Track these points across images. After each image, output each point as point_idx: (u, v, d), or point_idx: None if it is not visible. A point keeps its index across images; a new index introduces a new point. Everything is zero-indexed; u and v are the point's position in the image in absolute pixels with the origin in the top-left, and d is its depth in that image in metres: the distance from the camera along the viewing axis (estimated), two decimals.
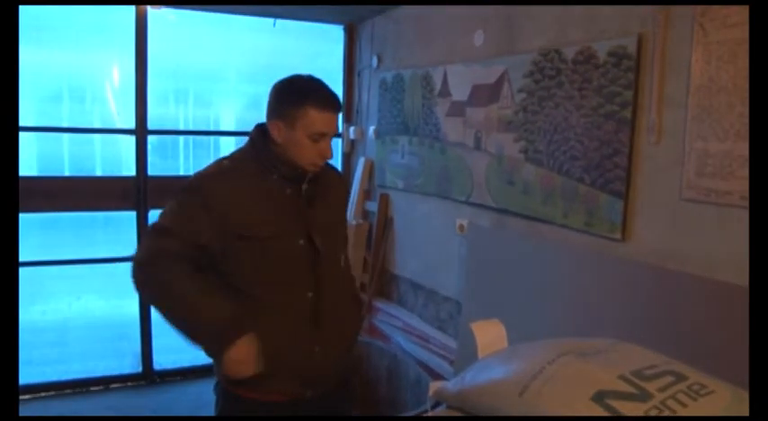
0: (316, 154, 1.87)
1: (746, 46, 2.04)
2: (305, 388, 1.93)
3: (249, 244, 1.84)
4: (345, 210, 2.21)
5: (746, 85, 2.05)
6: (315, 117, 1.82)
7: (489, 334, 1.85)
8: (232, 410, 1.95)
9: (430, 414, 1.80)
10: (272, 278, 1.88)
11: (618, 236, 2.49)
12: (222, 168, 1.90)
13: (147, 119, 4.05)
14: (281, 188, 1.90)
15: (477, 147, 3.25)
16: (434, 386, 1.83)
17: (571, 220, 2.71)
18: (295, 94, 1.86)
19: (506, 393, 1.52)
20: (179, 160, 4.51)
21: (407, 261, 4.01)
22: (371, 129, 4.32)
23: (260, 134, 1.93)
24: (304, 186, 1.93)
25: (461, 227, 3.39)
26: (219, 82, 4.46)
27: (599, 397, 1.41)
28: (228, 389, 1.94)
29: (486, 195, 3.21)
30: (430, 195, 3.71)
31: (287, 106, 1.85)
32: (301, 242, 1.90)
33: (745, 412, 1.40)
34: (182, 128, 4.41)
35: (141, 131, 4.04)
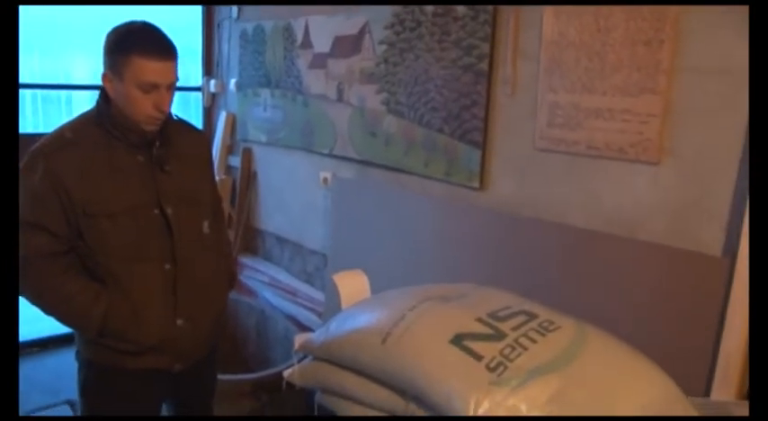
0: (150, 106, 1.70)
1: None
2: (173, 361, 1.85)
3: (96, 221, 1.72)
4: (210, 171, 2.06)
5: (591, 41, 2.16)
6: (142, 66, 1.66)
7: (352, 284, 1.86)
8: (96, 380, 1.86)
9: (295, 373, 1.81)
10: (124, 252, 1.75)
11: (476, 184, 2.58)
12: (63, 140, 1.73)
13: None
14: (131, 156, 1.77)
15: (340, 99, 3.23)
16: (300, 339, 1.83)
17: (432, 170, 2.76)
18: (121, 42, 1.69)
19: (369, 341, 1.54)
20: (25, 117, 4.16)
21: (272, 215, 3.96)
22: (232, 82, 4.18)
23: (104, 98, 1.78)
24: (155, 151, 1.79)
25: (325, 179, 3.38)
26: (71, 31, 4.12)
27: (457, 339, 1.46)
28: (92, 360, 1.84)
29: (349, 147, 3.21)
30: (293, 148, 3.66)
31: (114, 55, 1.69)
32: (156, 212, 1.78)
33: (588, 342, 1.50)
34: (26, 81, 4.06)
35: None
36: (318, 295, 3.49)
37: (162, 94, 1.71)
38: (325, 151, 3.37)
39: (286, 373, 1.84)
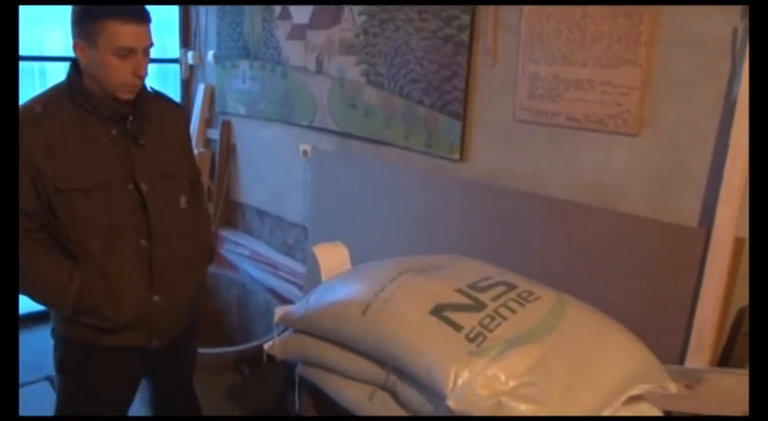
0: (127, 73, 1.66)
1: None
2: (150, 338, 1.84)
3: (69, 196, 1.67)
4: (188, 144, 2.02)
5: (572, 12, 2.14)
6: (117, 30, 1.61)
7: (332, 256, 1.86)
8: (72, 357, 1.84)
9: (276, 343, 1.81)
10: (98, 229, 1.71)
11: (456, 156, 2.57)
12: (33, 114, 1.67)
13: None
14: (105, 130, 1.72)
15: (319, 70, 3.20)
16: (280, 311, 1.83)
17: (412, 142, 2.76)
18: (93, 8, 1.64)
19: (349, 313, 1.55)
20: None
21: (252, 188, 3.94)
22: (210, 53, 4.12)
23: (75, 69, 1.72)
24: (128, 125, 1.74)
25: (305, 151, 3.35)
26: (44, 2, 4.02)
27: (437, 310, 1.47)
28: (68, 337, 1.82)
29: (328, 119, 3.18)
30: (273, 121, 3.63)
31: (86, 22, 1.64)
32: (130, 187, 1.75)
33: (566, 313, 1.52)
34: None
35: None
36: (299, 268, 3.48)
37: (139, 59, 1.67)
38: (305, 123, 3.35)
39: (267, 346, 1.85)
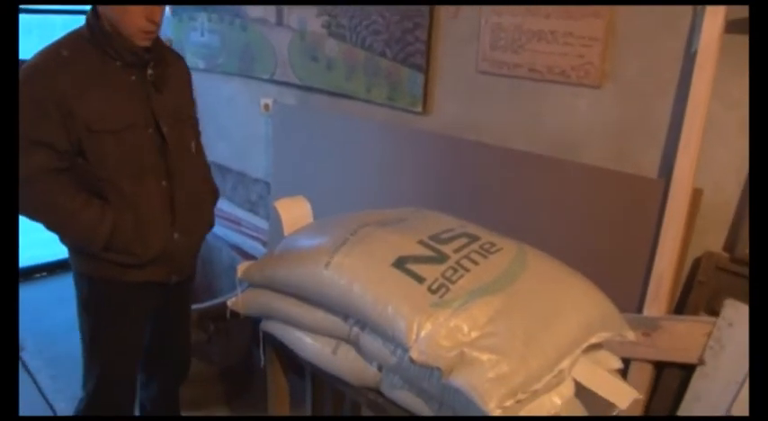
0: (142, 18, 1.73)
1: None
2: (170, 273, 1.98)
3: (99, 137, 1.76)
4: (192, 93, 2.13)
5: None
6: None
7: (294, 211, 1.85)
8: (99, 294, 1.94)
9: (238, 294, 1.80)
10: (126, 169, 1.82)
11: (419, 109, 2.55)
12: (60, 59, 1.74)
13: None
14: (126, 75, 1.81)
15: (279, 22, 3.12)
16: (242, 267, 1.82)
17: (374, 95, 2.72)
18: None
19: (311, 267, 1.54)
20: None
21: (214, 144, 3.86)
22: (167, 6, 3.99)
23: (94, 17, 1.78)
24: (149, 71, 1.84)
25: (266, 106, 3.30)
26: None
27: (399, 262, 1.47)
28: (93, 276, 1.92)
29: (289, 72, 3.12)
30: (233, 75, 3.55)
31: None
32: (150, 131, 1.85)
33: (528, 264, 1.53)
34: None
35: None
36: (263, 224, 3.46)
37: (154, 7, 1.75)
38: (266, 77, 3.28)
39: (230, 302, 1.84)
